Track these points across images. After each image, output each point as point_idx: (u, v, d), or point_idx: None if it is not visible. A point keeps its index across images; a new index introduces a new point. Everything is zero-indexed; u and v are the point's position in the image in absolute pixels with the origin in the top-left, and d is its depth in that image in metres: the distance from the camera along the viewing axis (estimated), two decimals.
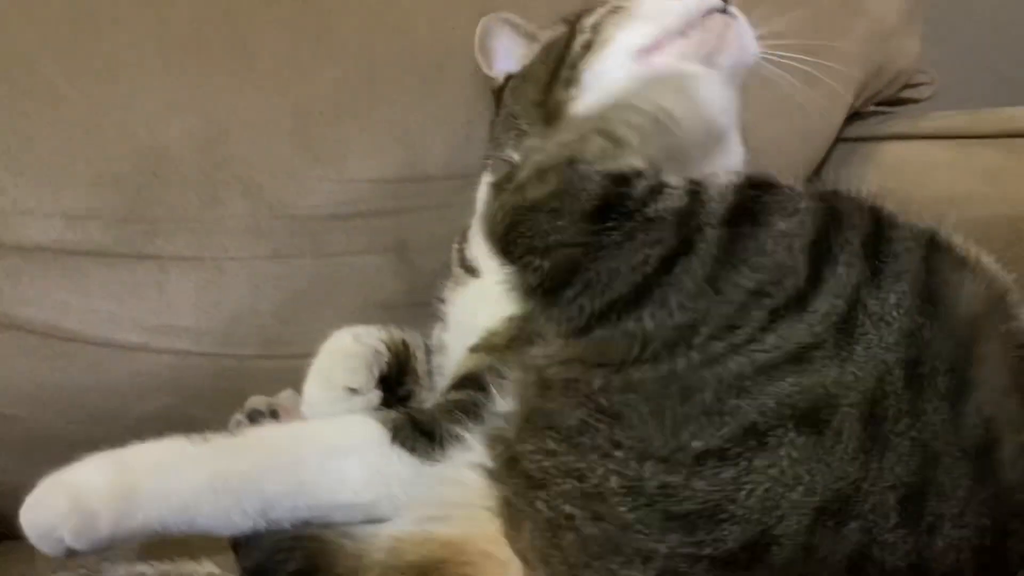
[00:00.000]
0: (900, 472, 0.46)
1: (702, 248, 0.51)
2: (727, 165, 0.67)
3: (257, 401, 0.78)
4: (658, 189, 0.53)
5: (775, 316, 0.50)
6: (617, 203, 0.52)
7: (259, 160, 0.84)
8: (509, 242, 0.55)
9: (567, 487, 0.49)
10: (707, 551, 0.46)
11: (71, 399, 0.82)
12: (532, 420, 0.53)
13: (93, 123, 0.82)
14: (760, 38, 0.73)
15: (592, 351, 0.52)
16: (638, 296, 0.51)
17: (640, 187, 0.53)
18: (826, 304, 0.50)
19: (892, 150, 1.06)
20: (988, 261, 0.56)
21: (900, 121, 1.12)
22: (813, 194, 0.56)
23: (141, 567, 0.50)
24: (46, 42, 0.83)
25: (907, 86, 1.16)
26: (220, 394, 0.80)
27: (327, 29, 0.90)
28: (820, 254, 0.51)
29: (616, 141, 0.56)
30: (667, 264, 0.51)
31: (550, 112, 0.74)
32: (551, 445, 0.51)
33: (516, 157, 0.73)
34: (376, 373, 0.70)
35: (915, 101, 1.19)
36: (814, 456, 0.46)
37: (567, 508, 0.49)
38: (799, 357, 0.49)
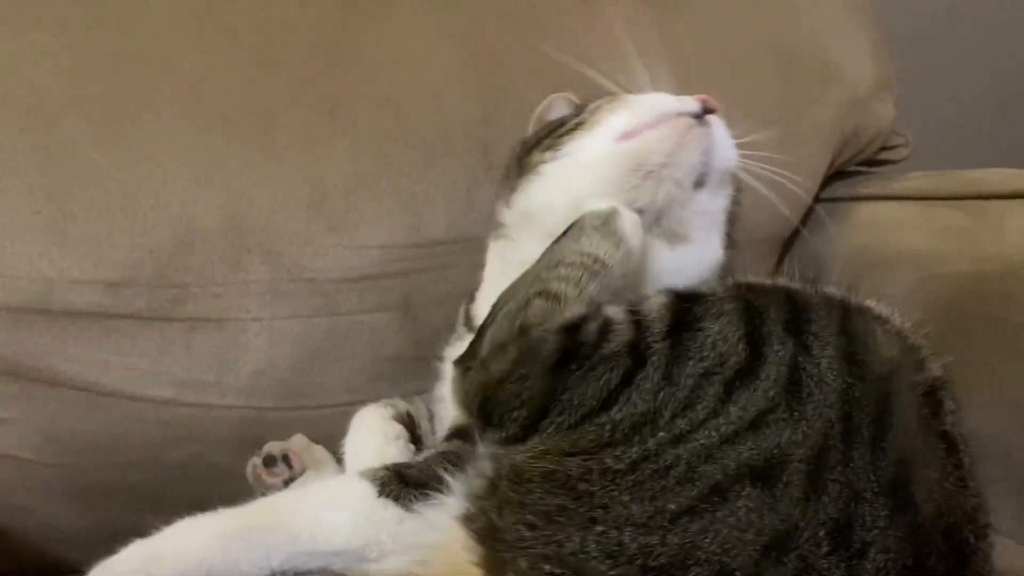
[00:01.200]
0: (831, 510, 0.54)
1: (653, 360, 0.59)
2: (689, 265, 0.75)
3: (272, 446, 0.86)
4: (606, 328, 0.61)
5: (730, 388, 0.58)
6: (574, 350, 0.60)
7: (278, 229, 0.91)
8: (486, 413, 0.62)
9: (548, 551, 0.54)
10: None
11: (109, 448, 0.88)
12: (509, 503, 0.57)
13: (130, 198, 0.89)
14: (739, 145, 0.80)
15: (565, 443, 0.59)
16: (606, 404, 0.59)
17: (590, 330, 0.61)
18: (773, 371, 0.58)
19: (865, 209, 1.13)
20: (898, 320, 0.65)
21: (873, 182, 1.19)
22: (732, 294, 0.63)
23: None
24: (88, 124, 0.90)
25: (884, 148, 1.23)
26: (241, 442, 0.87)
27: (338, 107, 0.97)
28: (754, 340, 0.60)
29: (555, 298, 0.64)
30: (627, 379, 0.59)
31: (522, 167, 0.82)
32: (530, 519, 0.56)
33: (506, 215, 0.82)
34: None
35: (892, 162, 1.25)
36: (765, 504, 0.53)
37: (547, 567, 0.54)
38: (757, 423, 0.56)
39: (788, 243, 1.14)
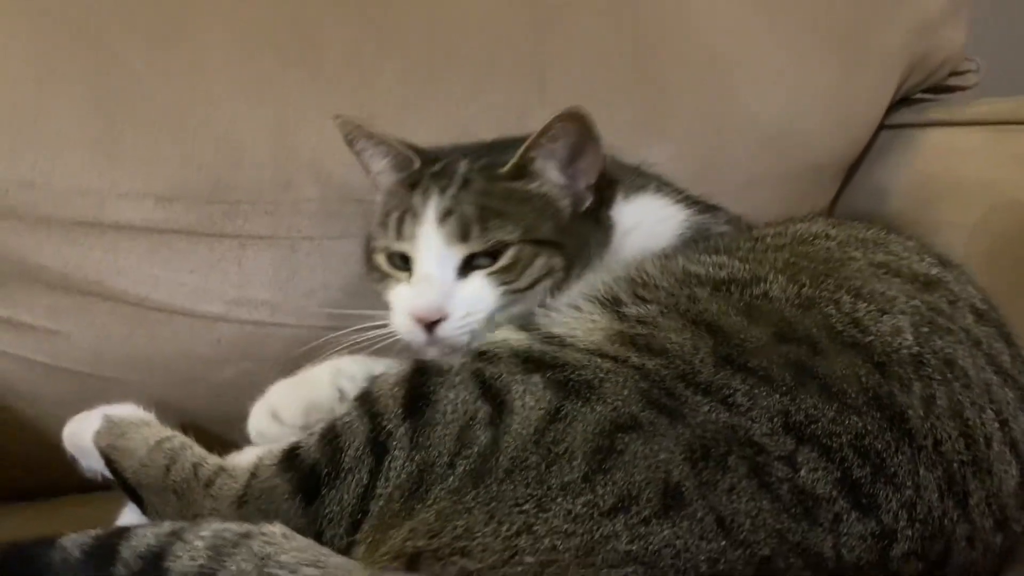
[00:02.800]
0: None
1: (395, 445, 0.58)
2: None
3: None
4: (331, 435, 0.60)
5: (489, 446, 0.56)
6: (311, 477, 0.59)
7: (329, 148, 0.89)
8: None
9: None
10: None
11: (161, 364, 0.89)
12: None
13: (179, 114, 0.89)
14: None
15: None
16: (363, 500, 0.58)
17: (311, 447, 0.60)
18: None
19: (932, 136, 1.09)
20: None
21: (942, 108, 1.14)
22: (468, 366, 0.62)
23: (226, 525, 0.56)
24: (138, 38, 0.90)
25: (953, 74, 1.18)
26: (292, 361, 0.86)
27: (387, 29, 0.96)
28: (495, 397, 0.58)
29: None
30: (375, 473, 0.58)
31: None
32: None
33: None
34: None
35: (962, 89, 1.20)
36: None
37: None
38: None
39: (851, 171, 1.10)
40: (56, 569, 0.54)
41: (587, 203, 0.76)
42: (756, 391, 0.55)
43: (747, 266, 0.65)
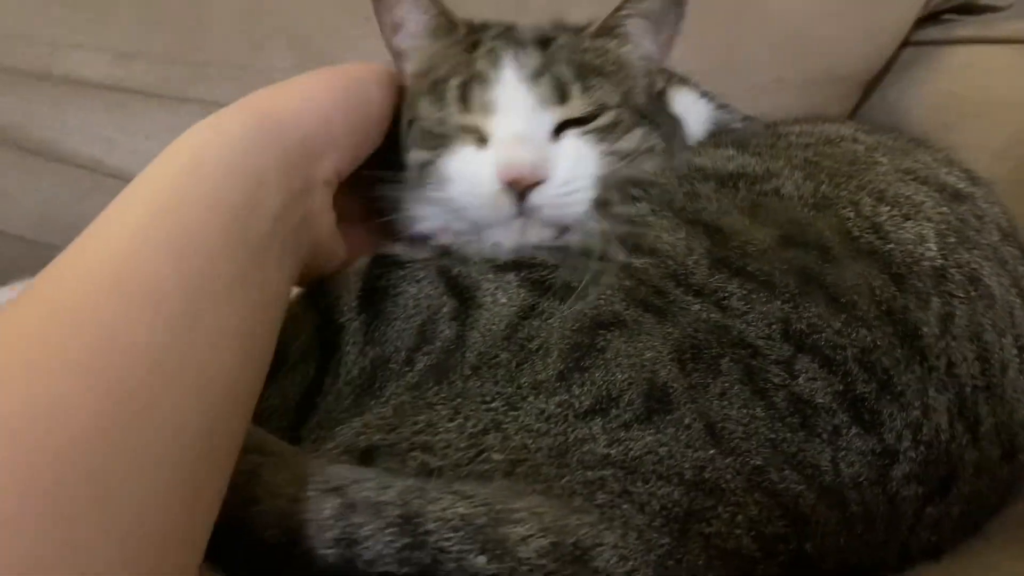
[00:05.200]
0: None
1: (348, 340, 0.53)
2: None
3: None
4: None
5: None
6: None
7: (306, 13, 0.83)
8: None
9: None
10: None
11: None
12: None
13: None
14: None
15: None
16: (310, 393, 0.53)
17: None
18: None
19: (959, 54, 1.01)
20: None
21: (971, 26, 1.06)
22: (433, 262, 0.57)
23: None
24: None
25: None
26: None
27: None
28: (461, 292, 0.54)
29: None
30: (322, 368, 0.53)
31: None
32: None
33: None
34: None
35: (994, 9, 1.13)
36: None
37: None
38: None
39: (871, 85, 1.03)
40: None
41: (658, 86, 0.68)
42: (754, 296, 0.50)
43: (761, 160, 0.59)
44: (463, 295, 0.54)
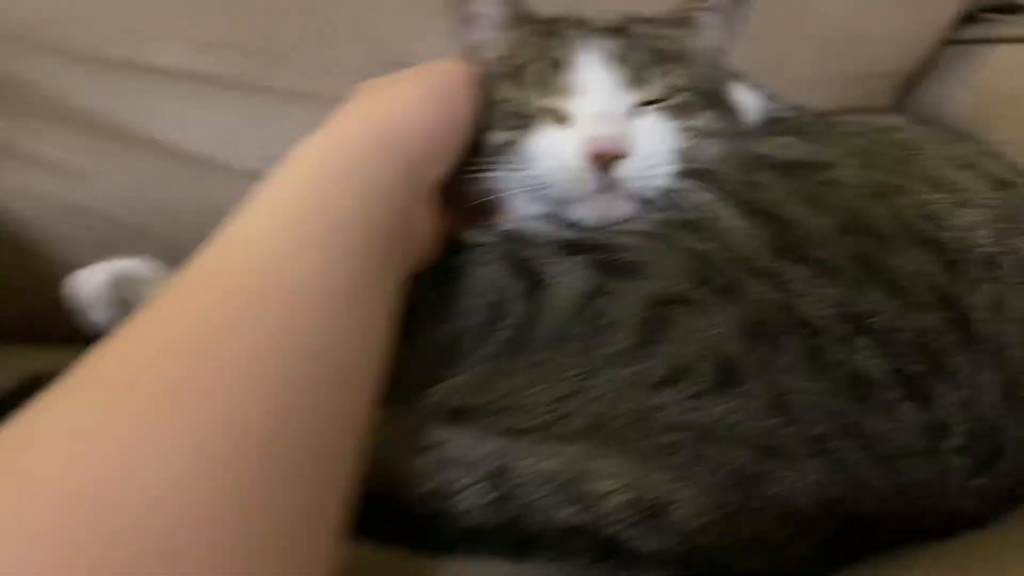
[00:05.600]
0: None
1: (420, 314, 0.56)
2: None
3: None
4: None
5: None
6: None
7: (375, 7, 0.86)
8: None
9: None
10: None
11: (193, 216, 0.84)
12: None
13: None
14: None
15: None
16: None
17: None
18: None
19: (1000, 53, 1.03)
20: None
21: (1013, 25, 1.08)
22: (499, 247, 0.60)
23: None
24: None
25: None
26: None
27: None
28: (529, 274, 0.57)
29: None
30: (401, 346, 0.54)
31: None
32: None
33: None
34: None
35: None
36: None
37: None
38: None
39: (912, 82, 1.06)
40: None
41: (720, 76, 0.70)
42: (815, 280, 0.53)
43: (817, 150, 0.62)
44: (531, 277, 0.57)
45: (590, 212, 0.61)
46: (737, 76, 0.76)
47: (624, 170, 0.59)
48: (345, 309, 0.41)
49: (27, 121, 0.84)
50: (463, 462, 0.48)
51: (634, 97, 0.62)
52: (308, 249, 0.41)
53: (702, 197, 0.59)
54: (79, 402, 0.32)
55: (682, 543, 0.46)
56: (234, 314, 0.37)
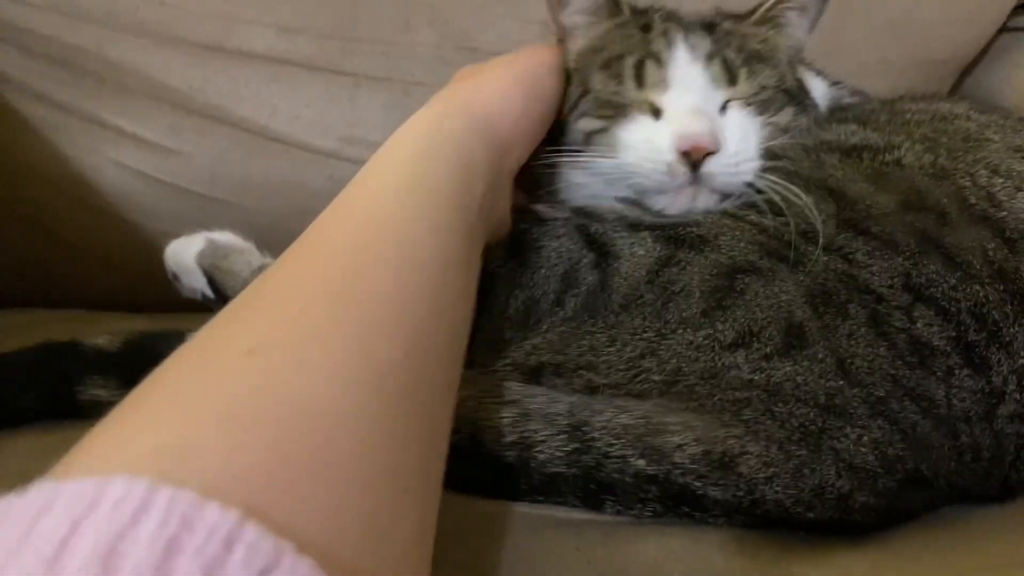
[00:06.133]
0: None
1: (498, 284, 0.60)
2: None
3: None
4: None
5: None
6: None
7: None
8: None
9: None
10: None
11: (273, 193, 0.91)
12: None
13: None
14: None
15: None
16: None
17: None
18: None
19: None
20: None
21: None
22: (572, 220, 0.63)
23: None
24: None
25: None
26: None
27: None
28: (600, 245, 0.60)
29: None
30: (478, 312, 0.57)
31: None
32: None
33: None
34: None
35: None
36: None
37: None
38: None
39: (967, 69, 1.07)
40: None
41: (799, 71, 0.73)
42: (878, 252, 0.56)
43: (882, 134, 0.65)
44: (602, 249, 0.60)
45: (674, 203, 0.63)
46: (804, 63, 0.78)
47: (712, 165, 0.61)
48: (454, 273, 0.44)
49: (123, 100, 0.89)
50: (543, 416, 0.52)
51: (724, 94, 0.66)
52: (426, 213, 0.44)
53: (769, 181, 0.61)
54: (257, 322, 0.35)
55: (749, 493, 0.49)
56: (374, 259, 0.40)
